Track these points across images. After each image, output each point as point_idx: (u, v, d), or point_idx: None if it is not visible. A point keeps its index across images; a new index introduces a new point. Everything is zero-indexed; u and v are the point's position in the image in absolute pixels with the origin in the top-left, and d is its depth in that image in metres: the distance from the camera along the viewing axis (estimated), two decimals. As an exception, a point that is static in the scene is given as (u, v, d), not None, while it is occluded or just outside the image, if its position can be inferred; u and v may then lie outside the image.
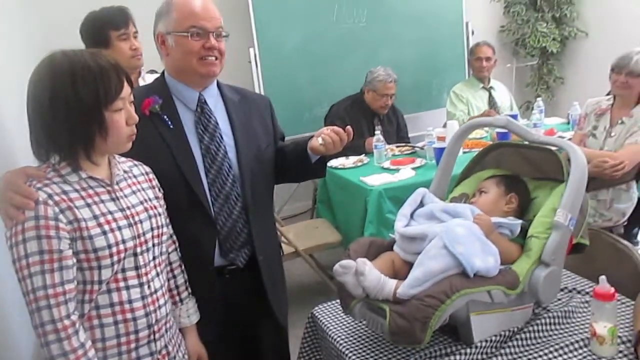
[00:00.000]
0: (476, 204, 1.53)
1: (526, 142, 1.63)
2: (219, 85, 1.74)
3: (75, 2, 2.60)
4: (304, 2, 4.23)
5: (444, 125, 4.15)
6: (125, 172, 1.38)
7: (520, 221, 1.45)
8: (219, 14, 1.62)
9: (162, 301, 1.38)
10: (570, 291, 1.62)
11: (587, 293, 1.60)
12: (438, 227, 1.39)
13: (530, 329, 1.42)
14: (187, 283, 1.57)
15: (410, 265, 1.42)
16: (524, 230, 1.46)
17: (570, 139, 3.09)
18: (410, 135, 4.12)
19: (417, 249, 1.39)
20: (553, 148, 1.57)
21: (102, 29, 2.21)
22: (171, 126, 1.60)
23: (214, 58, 1.60)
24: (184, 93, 1.64)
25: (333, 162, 3.44)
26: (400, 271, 1.42)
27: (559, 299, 1.56)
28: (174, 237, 1.53)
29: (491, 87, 4.21)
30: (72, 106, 1.19)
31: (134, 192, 1.36)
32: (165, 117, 1.60)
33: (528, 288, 1.37)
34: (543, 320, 1.44)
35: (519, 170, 1.66)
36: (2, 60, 2.24)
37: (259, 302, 1.74)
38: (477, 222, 1.39)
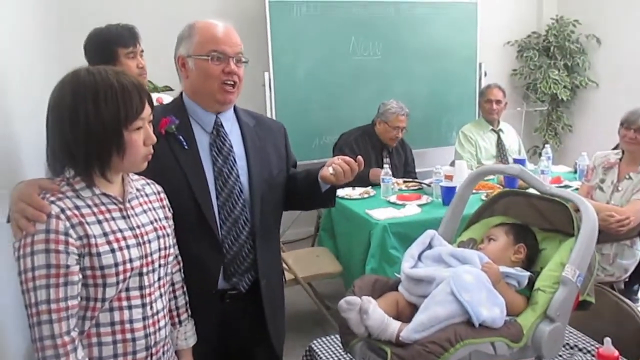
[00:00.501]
0: (484, 251, 1.52)
1: (536, 192, 1.63)
2: (235, 109, 1.75)
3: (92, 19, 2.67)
4: (321, 31, 4.29)
5: (451, 164, 4.17)
6: (137, 190, 1.38)
7: (528, 273, 1.44)
8: (240, 40, 1.65)
9: (162, 323, 1.37)
10: (572, 347, 1.61)
11: (589, 352, 1.59)
12: (446, 272, 1.38)
13: (531, 383, 1.40)
14: (188, 305, 1.56)
15: (414, 307, 1.41)
16: (531, 282, 1.45)
17: (577, 190, 3.10)
18: (417, 170, 4.13)
19: (423, 292, 1.39)
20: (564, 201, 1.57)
21: (110, 46, 2.21)
22: (186, 147, 1.61)
23: (231, 86, 1.62)
24: (200, 115, 1.66)
25: (339, 192, 3.43)
26: (404, 312, 1.41)
27: (560, 356, 1.54)
28: (179, 258, 1.53)
29: (500, 130, 4.23)
30: (92, 123, 1.20)
31: (144, 211, 1.36)
32: (180, 137, 1.61)
33: (531, 342, 1.36)
34: (544, 375, 1.42)
35: (527, 220, 1.66)
36: (18, 66, 2.27)
37: (257, 328, 1.72)
38: (485, 270, 1.39)
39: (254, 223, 1.66)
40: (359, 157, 1.67)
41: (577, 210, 1.51)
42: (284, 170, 1.81)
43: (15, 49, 2.16)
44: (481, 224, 1.72)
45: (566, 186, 3.42)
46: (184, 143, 1.60)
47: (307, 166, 1.79)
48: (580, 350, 1.60)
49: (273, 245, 1.79)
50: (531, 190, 1.67)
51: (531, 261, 1.56)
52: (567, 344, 1.62)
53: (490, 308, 1.30)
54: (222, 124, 1.67)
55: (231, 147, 1.66)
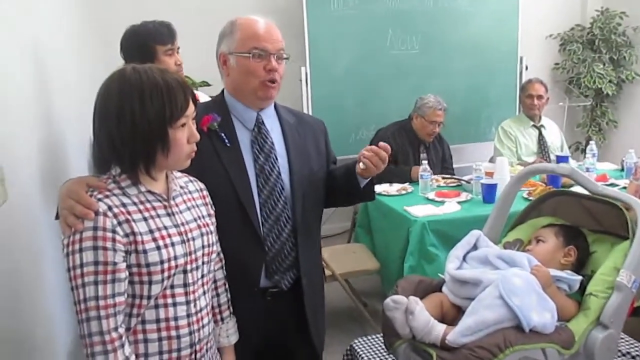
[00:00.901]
0: (532, 253, 1.48)
1: (585, 191, 1.58)
2: (275, 106, 1.75)
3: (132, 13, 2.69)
4: (358, 25, 4.24)
5: (490, 160, 4.09)
6: (181, 187, 1.38)
7: (579, 277, 1.40)
8: (281, 36, 1.64)
9: (205, 320, 1.37)
10: (624, 355, 1.56)
11: (643, 358, 1.53)
12: (493, 275, 1.35)
13: (582, 391, 1.36)
14: (230, 302, 1.56)
15: (459, 309, 1.38)
16: (582, 286, 1.41)
17: (624, 188, 2.99)
18: (454, 166, 4.07)
19: (469, 294, 1.36)
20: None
21: (149, 43, 2.22)
22: (228, 144, 1.61)
23: (272, 82, 1.61)
24: (242, 112, 1.66)
25: (376, 188, 3.40)
26: (448, 314, 1.39)
27: (613, 363, 1.49)
28: (221, 255, 1.53)
29: (542, 126, 4.12)
30: (138, 121, 1.20)
31: (188, 209, 1.37)
32: (222, 134, 1.61)
33: (583, 349, 1.31)
34: (595, 384, 1.37)
35: (577, 221, 1.61)
36: (64, 68, 2.32)
37: (298, 326, 1.72)
38: (535, 273, 1.35)
39: (295, 221, 1.66)
40: (382, 143, 1.61)
41: (628, 209, 1.46)
42: (324, 167, 1.80)
43: (59, 49, 2.21)
44: (528, 224, 1.68)
45: (612, 184, 3.31)
46: (226, 140, 1.60)
47: (344, 161, 1.77)
48: (633, 358, 1.55)
49: (314, 243, 1.78)
50: (579, 190, 1.62)
51: (581, 264, 1.51)
52: (619, 350, 1.57)
53: (540, 313, 1.26)
54: (263, 121, 1.67)
55: (272, 144, 1.66)
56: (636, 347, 1.60)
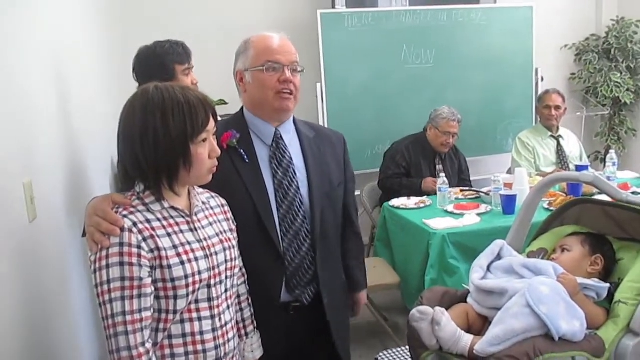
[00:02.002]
0: (557, 261, 1.47)
1: (607, 199, 1.56)
2: (294, 121, 1.76)
3: (160, 26, 2.74)
4: (373, 41, 4.28)
5: (508, 171, 4.06)
6: (203, 203, 1.40)
7: (607, 285, 1.38)
8: (294, 49, 1.66)
9: (231, 334, 1.38)
10: (655, 363, 1.52)
11: (675, 367, 1.49)
12: (519, 284, 1.34)
13: (613, 401, 1.33)
14: (253, 317, 1.56)
15: (485, 319, 1.37)
16: (610, 294, 1.39)
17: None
18: (471, 178, 4.05)
19: (495, 304, 1.35)
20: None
21: (167, 63, 2.23)
22: (247, 160, 1.62)
23: (288, 92, 1.63)
24: (260, 128, 1.67)
25: (394, 202, 3.41)
26: (475, 325, 1.38)
27: (644, 371, 1.46)
28: (244, 270, 1.53)
29: (560, 136, 4.09)
30: (160, 139, 1.23)
31: (210, 224, 1.38)
32: (242, 151, 1.62)
33: (614, 357, 1.29)
34: (627, 393, 1.35)
35: (601, 229, 1.59)
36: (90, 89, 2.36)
37: (323, 340, 1.70)
38: (562, 281, 1.33)
39: (315, 235, 1.66)
40: None
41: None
42: (343, 182, 1.80)
43: (82, 65, 2.25)
44: (552, 233, 1.66)
45: (635, 193, 3.27)
46: (245, 156, 1.62)
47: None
48: (664, 366, 1.51)
49: (334, 258, 1.77)
50: (602, 197, 1.60)
51: (608, 272, 1.49)
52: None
53: (569, 321, 1.25)
54: (281, 137, 1.68)
55: (291, 159, 1.67)
56: (668, 355, 1.56)
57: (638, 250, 1.50)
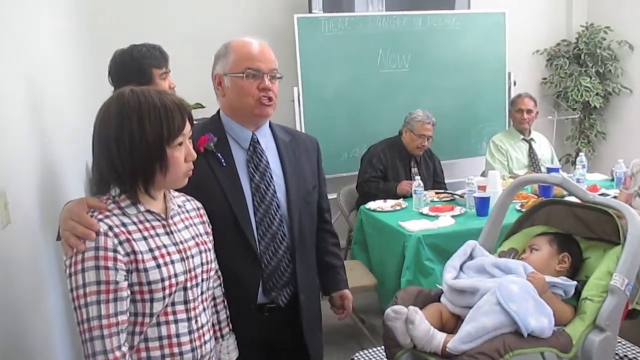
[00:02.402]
0: (527, 261, 1.51)
1: (576, 200, 1.61)
2: (270, 125, 1.78)
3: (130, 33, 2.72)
4: (349, 46, 4.31)
5: (482, 174, 4.13)
6: (179, 206, 1.40)
7: (574, 282, 1.42)
8: (274, 56, 1.67)
9: (207, 337, 1.38)
10: (621, 358, 1.57)
11: (640, 362, 1.55)
12: (490, 282, 1.37)
13: (581, 395, 1.37)
14: (229, 319, 1.57)
15: (458, 318, 1.40)
16: (577, 291, 1.43)
17: (615, 198, 3.03)
18: (446, 181, 4.10)
19: (467, 303, 1.38)
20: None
21: (145, 66, 2.21)
22: (224, 164, 1.63)
23: (267, 100, 1.64)
24: (237, 132, 1.68)
25: (371, 205, 3.44)
26: (448, 323, 1.40)
27: (610, 366, 1.51)
28: (219, 273, 1.54)
29: (532, 139, 4.18)
30: (136, 142, 1.23)
31: (186, 227, 1.39)
32: (219, 154, 1.63)
33: (581, 352, 1.33)
34: (594, 387, 1.39)
35: (570, 229, 1.64)
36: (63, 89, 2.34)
37: (296, 341, 1.73)
38: (531, 280, 1.37)
39: (292, 238, 1.68)
40: None
41: (621, 218, 1.49)
42: (317, 186, 1.83)
43: (53, 73, 2.23)
44: (522, 233, 1.71)
45: (603, 194, 3.35)
46: (222, 160, 1.63)
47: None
48: (630, 360, 1.57)
49: (310, 260, 1.80)
50: (571, 199, 1.65)
51: (576, 270, 1.54)
52: (617, 354, 1.59)
53: (538, 318, 1.28)
54: (258, 141, 1.69)
55: (268, 163, 1.69)
56: (633, 350, 1.62)
57: (604, 249, 1.54)
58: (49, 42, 2.31)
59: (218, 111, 1.74)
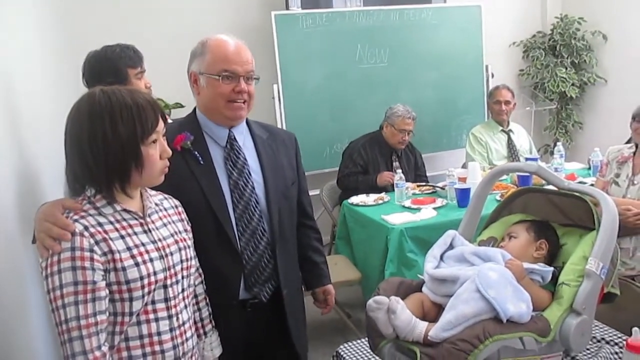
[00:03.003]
0: (505, 249, 1.52)
1: (554, 188, 1.63)
2: (247, 122, 1.78)
3: (104, 29, 2.68)
4: (327, 42, 4.33)
5: (463, 166, 4.17)
6: (156, 204, 1.40)
7: (551, 268, 1.44)
8: (251, 57, 1.66)
9: (189, 334, 1.38)
10: (598, 341, 1.60)
11: (617, 344, 1.57)
12: (470, 270, 1.38)
13: (561, 378, 1.39)
14: (211, 316, 1.57)
15: (439, 307, 1.41)
16: (554, 277, 1.45)
17: (592, 185, 3.08)
18: (428, 174, 4.14)
19: (448, 291, 1.39)
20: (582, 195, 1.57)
21: (120, 66, 2.20)
22: (201, 162, 1.63)
23: (242, 102, 1.64)
24: (214, 130, 1.68)
25: (353, 199, 3.46)
26: (430, 313, 1.41)
27: (588, 349, 1.53)
28: (200, 270, 1.54)
29: (510, 130, 4.23)
30: (110, 142, 1.22)
31: (164, 225, 1.38)
32: (196, 153, 1.63)
33: (559, 336, 1.35)
34: (573, 370, 1.42)
35: (547, 216, 1.66)
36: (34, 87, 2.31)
37: (281, 336, 1.73)
38: (509, 267, 1.39)
39: (272, 233, 1.68)
40: None
41: (596, 204, 1.51)
42: (296, 181, 1.83)
43: (27, 72, 2.20)
44: (500, 222, 1.72)
45: (581, 182, 3.41)
46: (200, 158, 1.63)
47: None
48: (607, 342, 1.59)
49: (291, 254, 1.81)
50: (548, 187, 1.67)
51: (553, 257, 1.56)
52: (594, 337, 1.61)
53: (516, 304, 1.30)
54: (235, 138, 1.69)
55: (245, 160, 1.69)
56: (610, 332, 1.64)
57: (580, 235, 1.56)
58: (22, 41, 2.27)
59: (194, 109, 1.74)
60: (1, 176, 1.60)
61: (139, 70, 2.25)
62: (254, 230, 1.65)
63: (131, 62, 2.23)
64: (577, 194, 1.58)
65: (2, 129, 1.69)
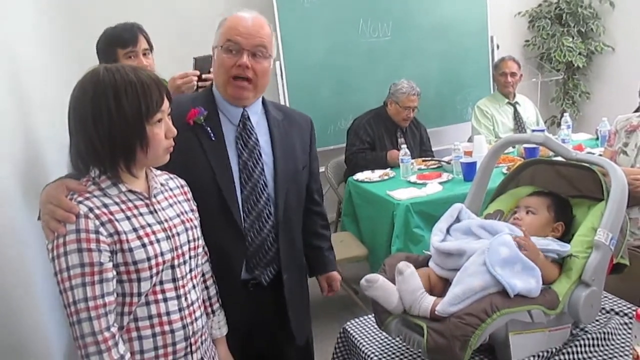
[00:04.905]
0: (521, 223, 1.50)
1: (561, 159, 1.61)
2: (264, 102, 1.73)
3: (105, 12, 2.65)
4: (329, 16, 4.26)
5: (469, 140, 4.14)
6: (162, 185, 1.39)
7: (568, 246, 1.41)
8: (265, 33, 1.58)
9: (198, 313, 1.39)
10: (608, 312, 1.59)
11: (626, 315, 1.57)
12: (476, 244, 1.37)
13: (569, 350, 1.39)
14: (218, 294, 1.57)
15: (446, 281, 1.41)
16: (565, 252, 1.44)
17: (600, 155, 3.05)
18: (433, 149, 4.11)
19: (454, 265, 1.38)
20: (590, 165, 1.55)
21: (111, 47, 2.22)
22: (213, 138, 1.60)
23: (245, 81, 1.57)
24: (228, 108, 1.64)
25: (358, 176, 3.44)
26: (436, 287, 1.41)
27: (597, 320, 1.53)
28: (206, 249, 1.54)
29: (516, 102, 4.18)
30: (115, 120, 1.21)
31: (170, 205, 1.37)
32: (208, 129, 1.59)
33: (568, 308, 1.35)
34: (582, 342, 1.41)
35: (554, 188, 1.64)
36: (40, 72, 2.30)
37: (280, 318, 1.73)
38: (524, 252, 1.35)
39: (277, 217, 1.66)
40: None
41: (605, 174, 1.49)
42: (307, 166, 1.80)
43: (34, 54, 2.19)
44: (508, 194, 1.71)
45: (589, 153, 3.37)
46: (211, 134, 1.59)
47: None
48: (617, 313, 1.59)
49: (295, 239, 1.78)
50: (556, 159, 1.65)
51: (564, 235, 1.54)
52: (603, 308, 1.60)
53: (525, 280, 1.29)
54: (249, 117, 1.65)
55: (257, 141, 1.65)
56: (619, 303, 1.64)
57: (588, 206, 1.55)
58: (28, 19, 2.26)
59: (211, 84, 1.70)
60: (4, 157, 1.60)
61: (129, 50, 2.22)
62: (259, 212, 1.63)
63: (120, 41, 2.22)
64: (585, 164, 1.56)
65: (6, 111, 1.68)
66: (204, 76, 2.11)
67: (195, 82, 2.12)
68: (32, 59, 2.14)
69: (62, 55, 2.83)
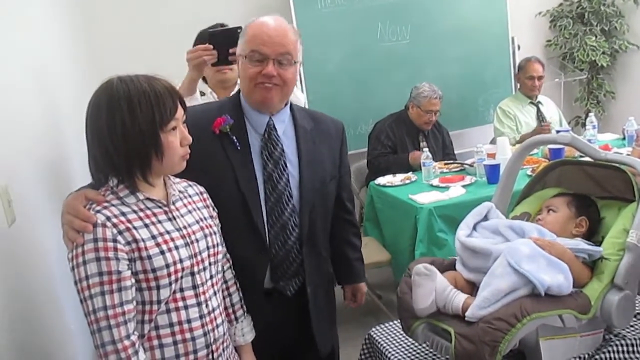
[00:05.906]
0: (543, 222, 1.47)
1: (589, 160, 1.56)
2: (292, 109, 1.69)
3: (124, 25, 2.67)
4: (347, 21, 4.24)
5: (492, 142, 4.08)
6: (180, 192, 1.39)
7: (600, 249, 1.36)
8: (290, 40, 1.55)
9: (219, 320, 1.37)
10: (643, 316, 1.54)
11: (662, 319, 1.51)
12: (503, 245, 1.34)
13: (603, 356, 1.35)
14: (242, 301, 1.55)
15: (472, 285, 1.37)
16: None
17: (628, 155, 2.98)
18: (456, 151, 4.06)
19: (480, 266, 1.35)
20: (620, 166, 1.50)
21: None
22: (238, 147, 1.57)
23: (270, 84, 1.54)
24: (253, 116, 1.61)
25: (380, 180, 3.41)
26: (463, 290, 1.37)
27: (632, 325, 1.47)
28: (228, 256, 1.52)
29: (539, 102, 4.12)
30: (129, 130, 1.21)
31: (189, 212, 1.37)
32: (234, 137, 1.57)
33: (600, 313, 1.30)
34: (615, 348, 1.36)
35: (582, 189, 1.60)
36: (57, 83, 2.32)
37: (304, 330, 1.69)
38: (550, 251, 1.31)
39: (302, 229, 1.63)
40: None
41: (636, 174, 1.45)
42: (336, 177, 1.75)
43: (66, 65, 2.21)
44: (534, 197, 1.67)
45: (616, 153, 3.29)
46: (237, 144, 1.57)
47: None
48: (652, 318, 1.53)
49: (321, 251, 1.73)
50: (584, 159, 1.61)
51: (592, 233, 1.49)
52: (638, 313, 1.55)
53: (553, 275, 1.25)
54: (274, 126, 1.62)
55: (282, 151, 1.61)
56: (655, 308, 1.58)
57: (619, 207, 1.50)
58: (54, 34, 2.29)
59: (238, 91, 1.67)
60: (31, 170, 1.61)
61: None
62: (284, 224, 1.60)
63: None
64: (614, 164, 1.51)
65: (33, 124, 1.70)
66: (231, 50, 1.83)
67: (205, 58, 1.90)
68: (61, 74, 2.17)
69: (87, 69, 2.87)
